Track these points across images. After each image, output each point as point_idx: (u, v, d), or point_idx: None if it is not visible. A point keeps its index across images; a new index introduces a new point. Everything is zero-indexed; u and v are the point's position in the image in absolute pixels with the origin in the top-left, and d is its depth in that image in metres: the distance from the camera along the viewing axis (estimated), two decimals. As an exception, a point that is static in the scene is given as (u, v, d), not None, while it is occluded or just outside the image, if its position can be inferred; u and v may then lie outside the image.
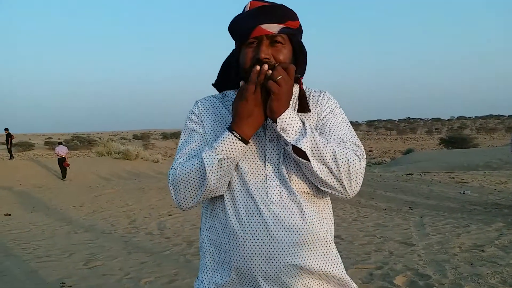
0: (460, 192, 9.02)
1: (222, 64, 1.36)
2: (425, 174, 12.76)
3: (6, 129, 18.64)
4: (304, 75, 1.32)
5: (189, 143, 1.25)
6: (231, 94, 1.35)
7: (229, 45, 1.36)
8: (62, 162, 15.69)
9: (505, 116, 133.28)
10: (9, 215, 7.87)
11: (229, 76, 1.34)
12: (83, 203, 9.02)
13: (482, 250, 4.56)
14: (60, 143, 16.93)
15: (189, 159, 1.20)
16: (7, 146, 19.21)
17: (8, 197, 10.25)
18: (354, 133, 1.29)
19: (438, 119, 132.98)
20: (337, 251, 1.27)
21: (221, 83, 1.37)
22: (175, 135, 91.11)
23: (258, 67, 1.11)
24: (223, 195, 1.20)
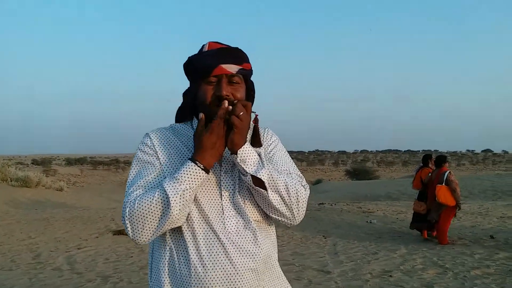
0: (367, 221, 9.69)
1: (184, 100, 1.42)
2: (335, 204, 13.50)
3: None
4: None
5: (144, 176, 1.26)
6: (181, 126, 1.41)
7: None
8: None
9: (401, 151, 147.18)
10: None
11: (183, 111, 1.41)
12: (-25, 236, 8.01)
13: (390, 276, 4.94)
14: None
15: (147, 191, 1.21)
16: None
17: None
18: (296, 166, 1.43)
19: (344, 152, 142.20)
20: (281, 270, 1.38)
21: (177, 117, 1.43)
22: (81, 161, 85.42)
23: (226, 103, 1.20)
24: (180, 227, 1.23)
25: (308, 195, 1.31)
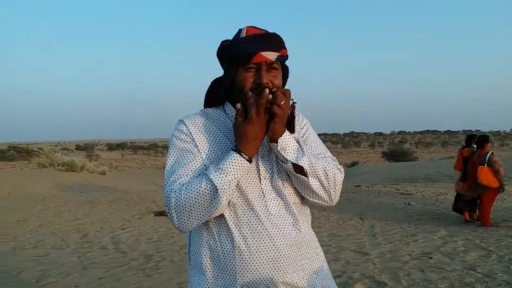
0: (405, 203, 9.53)
1: (213, 83, 1.42)
2: (372, 186, 13.33)
3: None
4: None
5: (184, 164, 1.26)
6: (213, 112, 1.40)
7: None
8: None
9: (440, 131, 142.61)
10: None
11: (217, 95, 1.40)
12: (28, 218, 8.51)
13: (430, 257, 4.87)
14: None
15: (191, 180, 1.21)
16: None
17: None
18: (327, 148, 1.45)
19: (380, 134, 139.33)
20: (321, 248, 1.42)
21: (208, 101, 1.43)
22: (121, 146, 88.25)
23: (267, 92, 1.19)
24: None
25: (343, 177, 1.34)
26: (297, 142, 1.27)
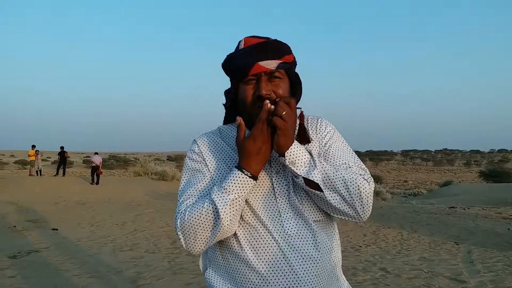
0: (508, 229, 8.62)
1: (227, 100, 1.36)
2: (468, 208, 12.30)
3: (62, 147, 20.51)
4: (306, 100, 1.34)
5: (193, 184, 1.22)
6: (228, 128, 1.35)
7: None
8: (95, 169, 18.19)
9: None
10: (56, 229, 8.16)
11: (228, 112, 1.36)
12: (125, 222, 9.23)
13: (541, 292, 4.34)
14: (96, 153, 19.52)
15: (197, 201, 1.16)
16: (61, 163, 20.85)
17: (53, 212, 10.63)
18: (357, 156, 1.30)
19: (477, 151, 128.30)
20: (343, 276, 1.30)
21: (227, 120, 1.39)
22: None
23: (268, 104, 1.12)
24: (235, 233, 1.18)
25: (372, 188, 1.17)
26: (310, 154, 1.16)
